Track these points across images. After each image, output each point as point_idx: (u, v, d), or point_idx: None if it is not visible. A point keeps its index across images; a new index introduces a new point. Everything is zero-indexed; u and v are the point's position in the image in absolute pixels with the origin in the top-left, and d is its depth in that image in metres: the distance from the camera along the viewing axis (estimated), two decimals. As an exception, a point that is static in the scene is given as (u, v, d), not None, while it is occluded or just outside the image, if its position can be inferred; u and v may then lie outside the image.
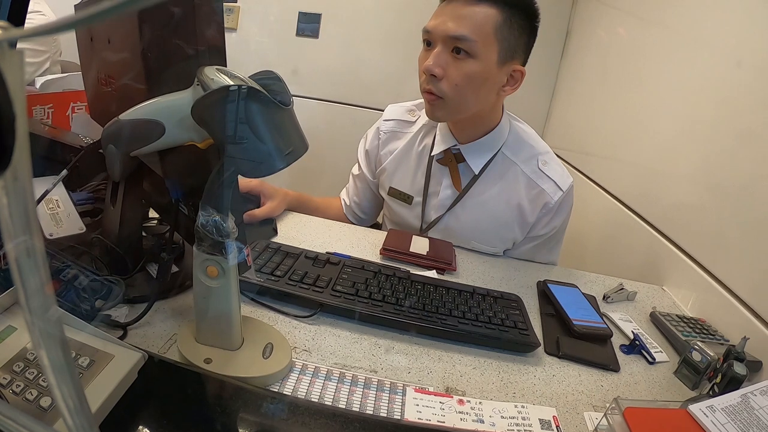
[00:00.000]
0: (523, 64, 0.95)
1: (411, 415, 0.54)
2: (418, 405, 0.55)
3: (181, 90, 0.48)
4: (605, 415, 0.53)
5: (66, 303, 0.56)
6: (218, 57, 0.52)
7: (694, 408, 0.53)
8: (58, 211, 0.73)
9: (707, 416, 0.52)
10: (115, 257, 0.66)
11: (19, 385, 0.41)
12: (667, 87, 1.24)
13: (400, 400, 0.56)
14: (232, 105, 0.42)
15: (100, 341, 0.48)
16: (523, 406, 0.59)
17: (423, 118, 1.09)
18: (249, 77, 0.46)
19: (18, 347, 0.44)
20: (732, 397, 0.56)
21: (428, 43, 0.93)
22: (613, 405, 0.52)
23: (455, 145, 1.02)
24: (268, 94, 0.44)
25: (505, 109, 1.05)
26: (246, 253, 0.56)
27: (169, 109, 0.47)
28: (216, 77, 0.43)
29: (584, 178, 1.66)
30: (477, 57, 0.87)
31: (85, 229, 0.70)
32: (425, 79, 0.92)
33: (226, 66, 0.51)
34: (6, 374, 0.42)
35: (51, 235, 0.68)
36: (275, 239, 0.91)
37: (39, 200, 0.65)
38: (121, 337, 0.57)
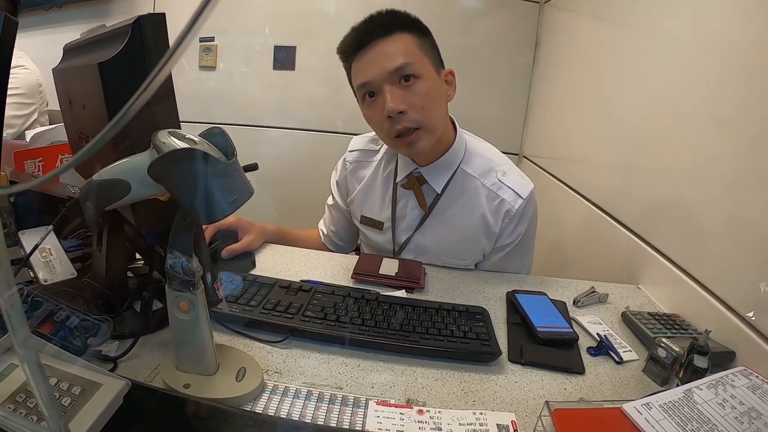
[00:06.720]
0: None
1: (371, 426, 0.60)
2: (378, 417, 0.62)
3: (144, 148, 0.56)
4: (539, 418, 0.57)
5: (60, 341, 0.64)
6: (171, 117, 0.61)
7: (628, 407, 0.55)
8: (51, 258, 0.81)
9: (641, 414, 0.54)
10: (104, 298, 0.75)
11: (22, 413, 0.50)
12: (637, 86, 1.27)
13: (362, 413, 0.62)
14: (180, 165, 0.50)
15: (90, 372, 0.56)
16: (481, 413, 0.64)
17: (386, 146, 1.16)
18: (199, 135, 0.54)
19: (19, 381, 0.53)
20: (674, 393, 0.59)
21: (370, 95, 0.97)
22: (545, 409, 0.55)
23: (416, 169, 1.09)
24: (212, 150, 0.52)
25: (459, 126, 1.12)
26: (216, 287, 0.64)
27: (132, 169, 0.55)
28: (167, 140, 0.51)
29: (562, 185, 1.69)
30: (422, 75, 0.94)
31: (76, 273, 0.79)
32: (391, 122, 0.95)
33: (179, 123, 0.60)
34: (11, 404, 0.50)
35: (46, 281, 0.76)
36: (253, 271, 0.99)
37: (29, 254, 0.74)
38: (112, 369, 0.65)
